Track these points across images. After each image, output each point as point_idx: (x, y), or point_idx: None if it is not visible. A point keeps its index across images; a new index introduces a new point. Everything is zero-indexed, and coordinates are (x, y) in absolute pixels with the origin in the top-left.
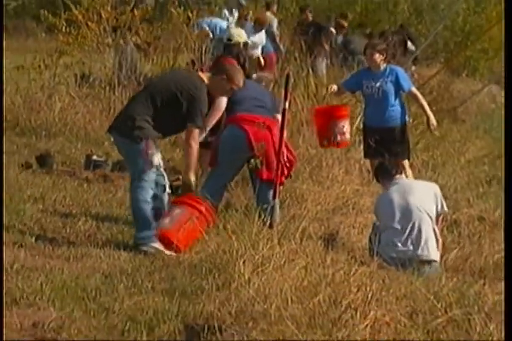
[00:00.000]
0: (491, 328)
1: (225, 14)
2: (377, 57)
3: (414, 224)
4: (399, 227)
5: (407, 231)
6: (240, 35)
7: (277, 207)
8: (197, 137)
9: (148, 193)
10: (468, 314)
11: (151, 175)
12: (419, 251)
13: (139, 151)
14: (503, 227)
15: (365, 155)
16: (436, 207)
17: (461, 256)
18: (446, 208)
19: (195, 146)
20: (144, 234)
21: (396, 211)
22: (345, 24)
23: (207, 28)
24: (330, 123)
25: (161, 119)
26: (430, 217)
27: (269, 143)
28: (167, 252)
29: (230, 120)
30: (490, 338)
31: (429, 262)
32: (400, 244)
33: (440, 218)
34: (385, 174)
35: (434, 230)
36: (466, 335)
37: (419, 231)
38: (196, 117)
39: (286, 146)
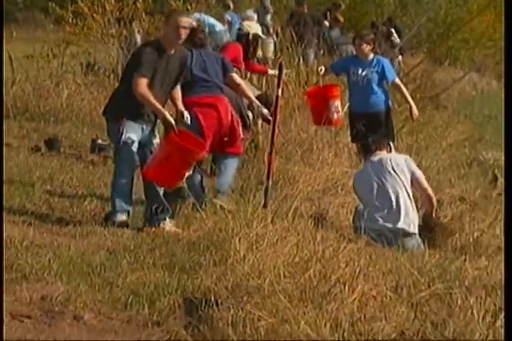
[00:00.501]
0: (471, 301)
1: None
2: (365, 47)
3: (391, 201)
4: (378, 204)
5: (387, 207)
6: (250, 26)
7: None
8: (141, 83)
9: (120, 172)
10: (449, 288)
11: (126, 154)
12: (400, 225)
13: (114, 130)
14: (504, 228)
15: (353, 140)
16: (412, 174)
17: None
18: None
19: (142, 91)
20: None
21: (374, 190)
22: (341, 18)
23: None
24: (326, 103)
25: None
26: (407, 191)
27: (217, 121)
28: (119, 218)
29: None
30: (470, 311)
31: (411, 234)
32: (381, 219)
33: (422, 179)
34: (366, 149)
35: (426, 191)
36: (448, 308)
37: (398, 207)
38: (137, 67)
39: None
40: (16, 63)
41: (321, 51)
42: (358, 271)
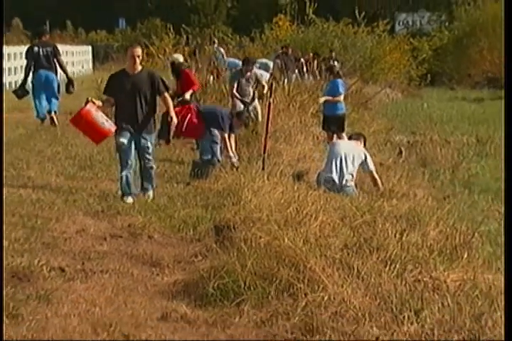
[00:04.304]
0: (387, 225)
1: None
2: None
3: (341, 168)
4: (333, 167)
5: (338, 170)
6: (177, 57)
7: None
8: (105, 99)
9: (120, 166)
10: (374, 218)
11: (120, 153)
12: (340, 183)
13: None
14: (504, 220)
15: (323, 129)
16: (363, 163)
17: (370, 185)
18: (371, 166)
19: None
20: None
21: (334, 159)
22: (320, 57)
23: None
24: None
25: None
26: (353, 168)
27: None
28: (126, 200)
29: None
30: (387, 231)
31: (348, 186)
32: (335, 177)
33: (371, 165)
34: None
35: (372, 174)
36: (373, 230)
37: (342, 171)
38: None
39: (191, 113)
40: None
41: (308, 76)
42: (319, 207)
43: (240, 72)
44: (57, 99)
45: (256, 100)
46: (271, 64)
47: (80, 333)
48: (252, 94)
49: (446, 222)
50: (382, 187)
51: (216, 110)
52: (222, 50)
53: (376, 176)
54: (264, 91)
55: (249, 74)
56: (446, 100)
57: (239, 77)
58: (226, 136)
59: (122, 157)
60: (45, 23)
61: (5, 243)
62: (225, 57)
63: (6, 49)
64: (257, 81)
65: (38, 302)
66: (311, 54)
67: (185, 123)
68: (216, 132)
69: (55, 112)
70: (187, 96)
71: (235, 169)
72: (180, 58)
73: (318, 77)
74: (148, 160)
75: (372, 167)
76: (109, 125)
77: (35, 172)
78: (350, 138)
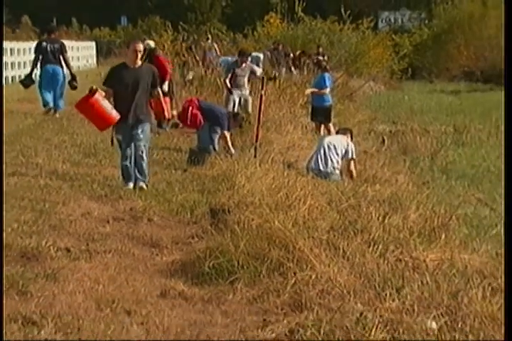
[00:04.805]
0: (371, 209)
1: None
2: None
3: (327, 158)
4: (319, 158)
5: (324, 160)
6: (149, 43)
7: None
8: (105, 90)
9: (120, 157)
10: (359, 202)
11: (120, 147)
12: (325, 171)
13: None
14: (504, 212)
15: (311, 119)
16: (346, 152)
17: (357, 172)
18: (351, 155)
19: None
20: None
21: (318, 150)
22: (308, 53)
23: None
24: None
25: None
26: (337, 157)
27: None
28: (127, 186)
29: None
30: (370, 214)
31: (333, 173)
32: (320, 166)
33: (351, 161)
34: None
35: (349, 167)
36: (358, 213)
37: (326, 161)
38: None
39: (192, 106)
40: None
41: (297, 70)
42: (307, 192)
43: (235, 63)
44: (61, 96)
45: (248, 93)
46: (262, 57)
47: (85, 309)
48: (246, 85)
49: (426, 206)
50: (356, 178)
51: (216, 109)
52: (215, 45)
53: (352, 168)
54: (258, 74)
55: (244, 65)
56: (425, 92)
57: (234, 68)
58: (225, 133)
59: (122, 150)
60: (52, 20)
61: (15, 225)
62: (218, 53)
63: (15, 44)
64: (252, 72)
65: (46, 280)
66: (299, 51)
67: (188, 115)
68: (216, 127)
69: (55, 110)
70: (165, 87)
71: (229, 156)
72: (152, 44)
73: (306, 72)
74: (139, 148)
75: (351, 156)
76: (115, 113)
77: (43, 159)
78: (337, 132)
